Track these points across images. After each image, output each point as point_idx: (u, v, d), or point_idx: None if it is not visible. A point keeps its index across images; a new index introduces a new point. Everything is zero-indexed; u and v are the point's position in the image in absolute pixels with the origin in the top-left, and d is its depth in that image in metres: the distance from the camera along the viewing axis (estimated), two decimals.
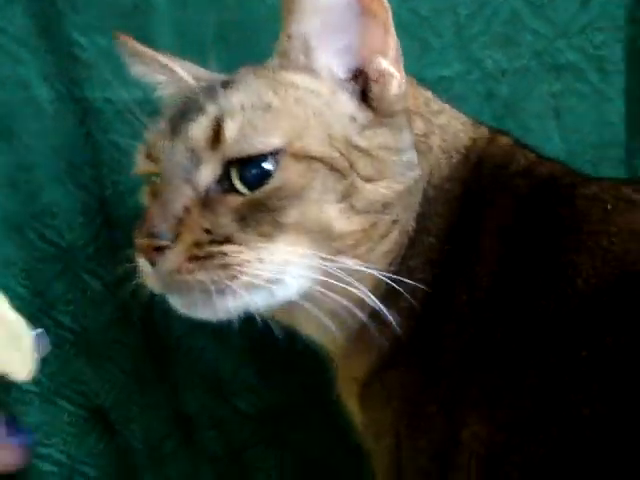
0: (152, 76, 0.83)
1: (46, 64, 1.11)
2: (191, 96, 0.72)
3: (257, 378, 1.12)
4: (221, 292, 0.61)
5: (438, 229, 0.68)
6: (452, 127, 0.74)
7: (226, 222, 0.62)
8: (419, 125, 0.72)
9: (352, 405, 0.75)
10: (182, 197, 0.63)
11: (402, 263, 0.68)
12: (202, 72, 0.85)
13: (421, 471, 0.62)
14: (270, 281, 0.62)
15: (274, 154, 0.63)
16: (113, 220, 1.16)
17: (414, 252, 0.68)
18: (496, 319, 0.60)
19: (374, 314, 0.65)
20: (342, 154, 0.64)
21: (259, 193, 0.62)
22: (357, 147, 0.65)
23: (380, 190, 0.65)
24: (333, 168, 0.64)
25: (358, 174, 0.65)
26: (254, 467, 1.16)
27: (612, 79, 1.03)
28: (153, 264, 0.62)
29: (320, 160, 0.63)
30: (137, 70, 0.85)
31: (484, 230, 0.65)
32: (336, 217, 0.63)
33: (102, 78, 1.12)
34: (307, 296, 0.65)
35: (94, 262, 1.15)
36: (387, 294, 0.66)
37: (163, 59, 0.81)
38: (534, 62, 1.05)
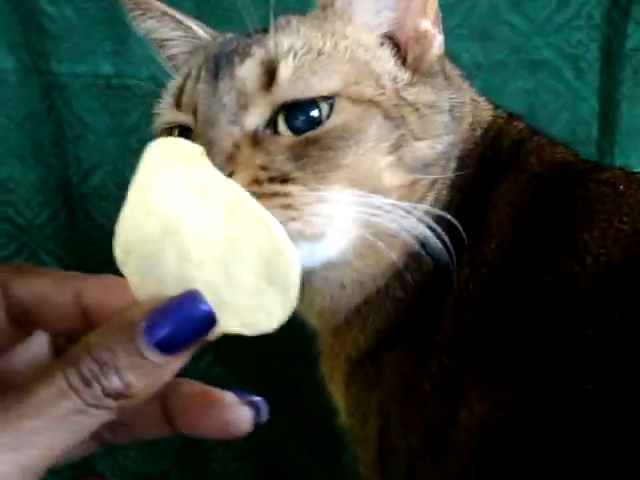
0: (164, 32, 0.78)
1: (12, 33, 1.07)
2: (224, 43, 0.69)
3: (219, 368, 1.10)
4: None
5: (454, 202, 0.67)
6: (479, 102, 0.76)
7: (281, 159, 0.59)
8: (455, 94, 0.72)
9: (338, 387, 0.73)
10: (230, 135, 0.60)
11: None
12: (213, 32, 0.80)
13: (412, 452, 0.61)
14: (319, 232, 0.58)
15: (329, 98, 0.62)
16: (75, 200, 1.12)
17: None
18: (501, 296, 0.59)
19: (385, 287, 0.66)
20: (395, 105, 0.64)
21: (315, 132, 0.61)
22: (406, 101, 0.65)
23: (425, 149, 0.65)
24: (388, 116, 0.63)
25: (408, 128, 0.64)
26: (209, 458, 1.14)
27: (587, 78, 1.04)
28: None
29: (377, 105, 0.63)
30: (147, 25, 0.78)
31: (495, 206, 0.64)
32: (385, 169, 0.62)
33: (70, 51, 1.08)
34: (341, 258, 0.63)
35: (52, 242, 1.12)
36: (405, 265, 0.65)
37: (178, 15, 0.77)
38: (510, 58, 1.05)
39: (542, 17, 1.03)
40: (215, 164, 0.53)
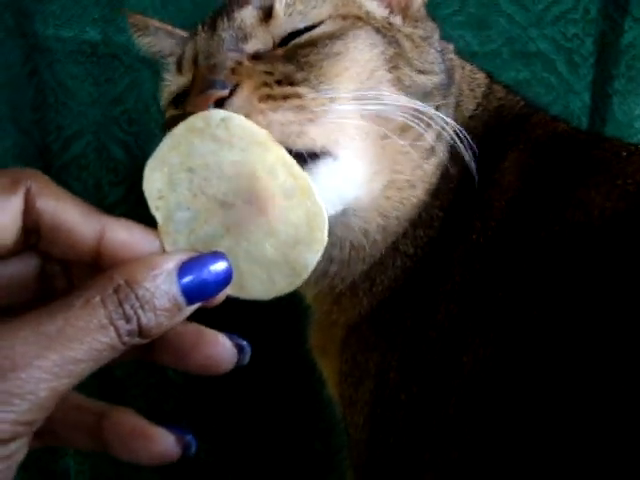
0: (159, 43, 0.83)
1: None
2: (220, 4, 0.73)
3: None
4: (295, 136, 0.57)
5: (461, 161, 0.68)
6: (472, 70, 0.79)
7: (282, 65, 0.61)
8: (446, 57, 0.75)
9: (331, 357, 0.73)
10: (231, 57, 0.62)
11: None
12: None
13: (411, 400, 0.62)
14: (338, 137, 0.59)
15: (323, 22, 0.66)
16: (54, 168, 1.08)
17: (441, 180, 0.69)
18: (509, 247, 0.61)
19: (395, 243, 0.68)
20: (386, 27, 0.69)
21: (304, 36, 0.64)
22: (400, 30, 0.70)
23: (423, 78, 0.67)
24: (379, 31, 0.67)
25: (405, 53, 0.67)
26: None
27: (580, 72, 1.04)
28: None
29: (366, 21, 0.68)
30: (146, 41, 0.85)
31: (505, 170, 0.66)
32: (386, 85, 0.64)
33: (56, 14, 1.05)
34: (367, 191, 0.64)
35: None
36: (412, 224, 0.68)
37: (170, 28, 0.83)
38: (505, 48, 1.04)
39: (539, 9, 1.03)
40: (219, 80, 0.56)
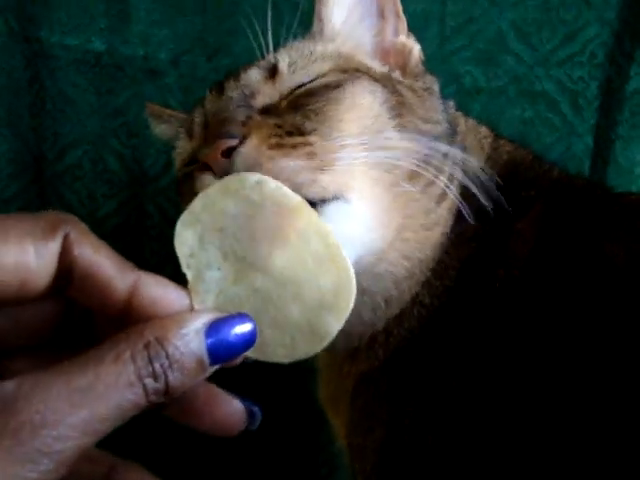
0: (174, 130, 0.82)
1: None
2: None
3: None
4: (307, 184, 0.56)
5: (479, 210, 0.68)
6: (474, 123, 0.79)
7: (290, 115, 0.62)
8: (448, 109, 0.76)
9: (342, 409, 0.72)
10: (241, 110, 0.63)
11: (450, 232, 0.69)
12: None
13: (425, 449, 0.61)
14: (348, 182, 0.59)
15: (324, 76, 0.68)
16: (47, 176, 1.06)
17: (455, 226, 0.69)
18: (532, 298, 0.60)
19: (415, 294, 0.67)
20: (385, 79, 0.70)
21: (307, 86, 0.66)
22: (399, 81, 0.72)
23: (427, 126, 0.68)
24: (378, 80, 0.68)
25: (407, 102, 0.68)
26: None
27: (584, 115, 1.04)
28: (224, 173, 0.55)
29: (365, 72, 0.70)
30: (160, 129, 0.87)
31: (527, 220, 0.66)
32: (392, 131, 0.64)
33: (62, 21, 1.03)
34: (382, 235, 0.63)
35: None
36: (430, 274, 0.67)
37: (181, 114, 0.84)
38: (511, 86, 1.04)
39: (546, 49, 1.03)
40: (228, 131, 0.56)
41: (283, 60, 0.70)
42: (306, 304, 0.49)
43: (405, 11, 0.79)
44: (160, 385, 0.43)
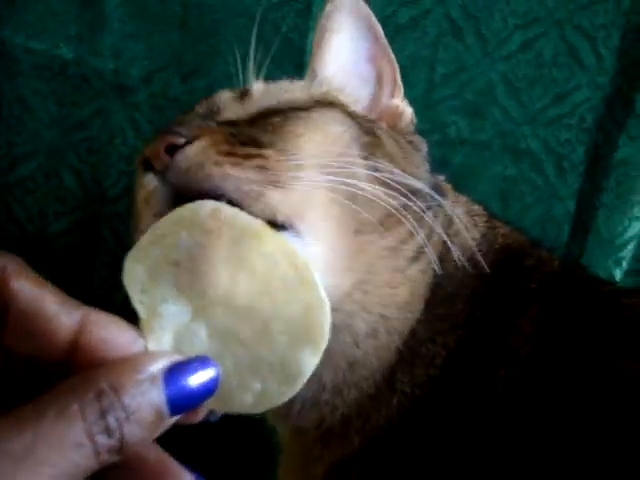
0: None
1: None
2: None
3: None
4: (254, 198, 0.51)
5: (468, 295, 0.63)
6: (467, 199, 0.75)
7: (248, 128, 0.58)
8: (435, 178, 0.72)
9: None
10: (200, 120, 0.60)
11: (428, 312, 0.63)
12: None
13: None
14: (302, 208, 0.53)
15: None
16: None
17: (440, 306, 0.63)
18: (538, 407, 0.56)
19: (391, 378, 0.62)
20: (363, 119, 0.66)
21: (276, 107, 0.63)
22: (381, 127, 0.68)
23: (407, 178, 0.60)
24: (352, 116, 0.65)
25: (384, 147, 0.64)
26: None
27: (568, 178, 1.01)
28: (164, 170, 0.52)
29: (340, 107, 0.66)
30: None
31: (530, 317, 0.61)
32: (362, 175, 0.58)
33: (29, 22, 0.96)
34: (340, 275, 0.57)
35: None
36: (408, 353, 0.62)
37: None
38: (496, 140, 1.01)
39: (535, 107, 1.00)
40: (178, 133, 0.52)
41: (258, 86, 0.67)
42: (276, 339, 0.43)
43: (394, 54, 0.76)
44: (114, 441, 0.37)
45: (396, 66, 0.74)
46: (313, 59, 0.73)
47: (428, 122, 1.00)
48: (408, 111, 0.75)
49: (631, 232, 0.98)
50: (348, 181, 0.54)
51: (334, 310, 0.57)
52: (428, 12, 0.98)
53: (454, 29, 0.98)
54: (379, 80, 0.74)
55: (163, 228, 0.45)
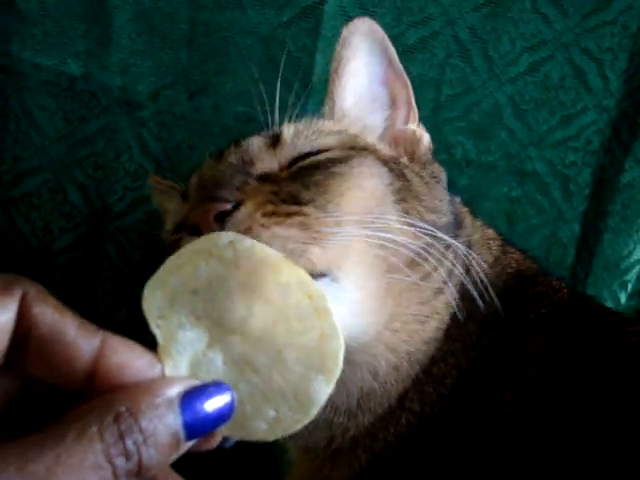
0: (171, 201, 0.80)
1: None
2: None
3: None
4: (297, 254, 0.52)
5: (481, 318, 0.64)
6: (482, 224, 0.77)
7: (288, 184, 0.59)
8: (454, 202, 0.73)
9: None
10: (238, 176, 0.59)
11: (446, 338, 0.65)
12: None
13: None
14: (340, 261, 0.55)
15: (329, 150, 0.66)
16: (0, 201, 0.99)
17: (453, 328, 0.64)
18: (538, 420, 0.57)
19: (402, 398, 0.62)
20: (392, 161, 0.68)
21: (313, 159, 0.64)
22: (407, 166, 0.69)
23: (432, 216, 0.65)
24: (384, 162, 0.66)
25: (412, 188, 0.65)
26: None
27: (574, 201, 1.01)
28: None
29: (372, 151, 0.67)
30: (160, 199, 0.85)
31: (540, 343, 0.62)
32: (395, 219, 0.60)
33: (37, 38, 0.96)
34: (371, 321, 0.58)
35: None
36: (422, 375, 0.62)
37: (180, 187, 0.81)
38: (502, 162, 1.01)
39: (542, 130, 1.00)
40: (223, 197, 0.53)
41: (288, 129, 0.68)
42: (290, 368, 0.44)
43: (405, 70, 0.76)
44: (132, 465, 0.37)
45: (410, 89, 0.74)
46: (331, 87, 0.74)
47: (434, 142, 1.00)
48: (426, 137, 0.76)
49: (636, 255, 0.98)
50: (383, 235, 0.57)
51: (360, 351, 0.59)
52: (436, 33, 0.98)
53: (462, 51, 0.99)
54: (393, 102, 0.75)
55: (183, 258, 0.46)
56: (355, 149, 0.67)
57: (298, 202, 0.56)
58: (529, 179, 1.01)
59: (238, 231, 0.51)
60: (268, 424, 0.44)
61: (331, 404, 0.61)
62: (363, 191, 0.61)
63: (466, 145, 1.01)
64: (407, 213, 0.62)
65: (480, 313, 0.62)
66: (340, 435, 0.63)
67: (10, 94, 0.97)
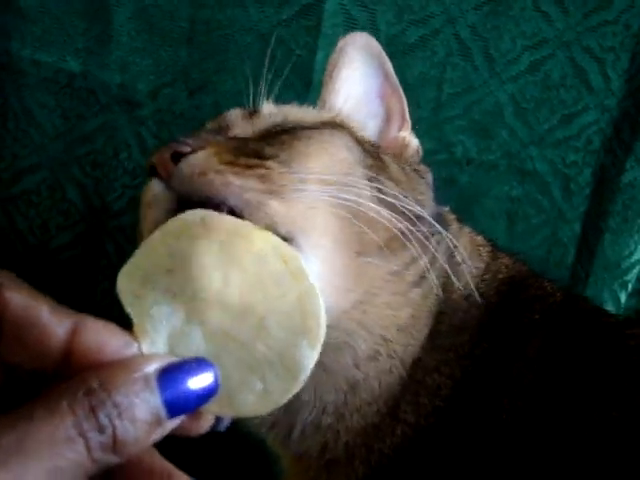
0: None
1: None
2: None
3: None
4: (254, 206, 0.51)
5: (474, 326, 0.63)
6: (470, 230, 0.74)
7: (254, 142, 0.58)
8: (439, 208, 0.72)
9: None
10: (208, 134, 0.59)
11: (433, 341, 0.63)
12: None
13: None
14: (301, 221, 0.52)
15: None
16: None
17: (446, 336, 0.63)
18: (536, 427, 0.56)
19: (395, 408, 0.61)
20: (370, 143, 0.67)
21: (284, 125, 0.63)
22: (387, 154, 0.68)
23: (411, 203, 0.60)
24: (358, 141, 0.65)
25: (389, 171, 0.64)
26: None
27: (574, 201, 1.01)
28: (169, 176, 0.52)
29: (347, 129, 0.66)
30: None
31: (535, 347, 0.61)
32: (367, 196, 0.58)
33: (36, 35, 0.96)
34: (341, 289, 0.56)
35: None
36: (412, 383, 0.61)
37: None
38: (503, 161, 1.01)
39: (543, 129, 1.00)
40: (184, 142, 0.53)
41: (267, 106, 0.68)
42: (273, 335, 0.43)
43: (402, 73, 0.76)
44: (106, 438, 0.37)
45: (405, 103, 0.75)
46: (324, 90, 0.73)
47: (435, 141, 1.01)
48: (414, 142, 0.75)
49: (637, 255, 0.98)
50: (350, 197, 0.54)
51: (332, 328, 0.56)
52: (437, 32, 0.98)
53: (463, 49, 0.98)
54: (388, 116, 0.75)
55: (154, 241, 0.45)
56: (330, 124, 0.66)
57: (261, 157, 0.55)
58: (530, 178, 1.01)
59: (191, 175, 0.50)
60: (256, 397, 0.43)
61: (319, 400, 0.60)
62: (331, 157, 0.59)
63: (467, 144, 1.00)
64: (380, 191, 0.58)
65: (473, 322, 0.62)
66: (332, 441, 0.62)
67: (9, 92, 0.96)
